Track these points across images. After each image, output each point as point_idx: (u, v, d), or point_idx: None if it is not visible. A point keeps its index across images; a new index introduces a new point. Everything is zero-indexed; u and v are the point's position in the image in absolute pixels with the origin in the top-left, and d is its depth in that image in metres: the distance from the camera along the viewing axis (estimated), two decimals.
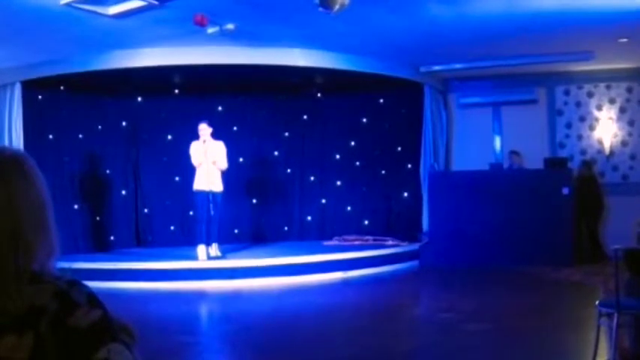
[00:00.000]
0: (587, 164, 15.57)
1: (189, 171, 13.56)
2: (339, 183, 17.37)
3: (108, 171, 16.04)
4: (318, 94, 17.22)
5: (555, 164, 15.08)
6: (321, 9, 9.28)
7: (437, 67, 15.40)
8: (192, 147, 13.46)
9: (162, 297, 12.01)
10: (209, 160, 13.32)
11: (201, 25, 10.72)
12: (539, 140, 16.28)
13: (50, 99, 14.88)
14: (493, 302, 10.57)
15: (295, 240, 16.87)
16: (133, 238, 16.44)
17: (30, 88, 14.13)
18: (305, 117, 17.41)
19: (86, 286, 1.70)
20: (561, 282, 12.41)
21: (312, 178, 17.48)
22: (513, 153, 15.97)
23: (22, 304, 1.60)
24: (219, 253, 13.69)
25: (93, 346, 1.60)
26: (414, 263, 14.85)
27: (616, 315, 6.05)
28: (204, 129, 13.43)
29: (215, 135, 13.56)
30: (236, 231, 16.61)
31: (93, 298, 1.68)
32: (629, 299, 6.28)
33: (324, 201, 17.47)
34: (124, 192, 16.32)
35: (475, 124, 16.80)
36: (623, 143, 16.00)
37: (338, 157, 17.31)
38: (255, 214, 17.13)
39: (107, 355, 1.60)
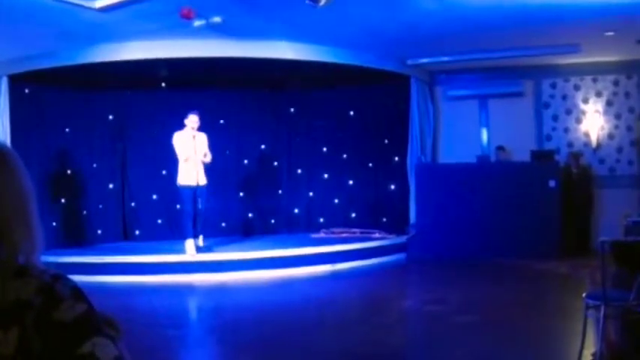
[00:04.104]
0: (574, 156, 15.60)
1: (176, 165, 13.49)
2: (326, 176, 17.38)
3: (95, 165, 15.97)
4: (305, 87, 17.17)
5: (542, 157, 15.11)
6: (307, 2, 9.28)
7: (424, 60, 15.42)
8: (177, 139, 13.26)
9: (150, 290, 11.99)
10: (199, 155, 13.28)
11: (188, 18, 10.69)
12: (525, 133, 16.32)
13: (37, 92, 14.77)
14: (480, 294, 10.61)
15: (283, 233, 16.89)
16: (120, 232, 16.39)
17: (17, 81, 14.06)
18: (292, 110, 17.41)
19: (71, 280, 1.69)
20: (548, 274, 12.45)
21: (299, 171, 17.49)
22: (500, 148, 16.01)
23: (6, 298, 1.59)
24: (202, 244, 13.79)
25: (78, 339, 1.59)
26: (402, 256, 14.88)
27: (603, 307, 6.07)
28: (196, 121, 13.34)
29: (202, 128, 13.53)
30: (223, 224, 16.61)
31: (77, 291, 1.67)
32: (615, 291, 6.31)
33: (311, 194, 17.48)
34: (110, 186, 16.26)
35: (462, 116, 16.82)
36: (610, 136, 16.05)
37: (325, 149, 17.32)
38: (242, 207, 17.11)
39: (92, 348, 1.59)
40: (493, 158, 16.05)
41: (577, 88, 16.25)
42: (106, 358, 1.60)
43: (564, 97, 16.33)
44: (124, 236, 16.37)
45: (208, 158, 13.45)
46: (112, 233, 16.13)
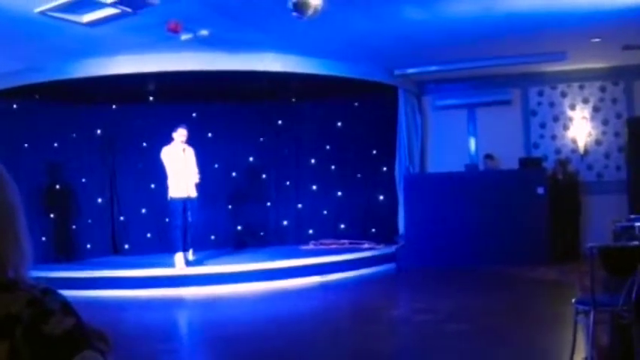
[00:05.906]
0: (561, 163, 15.67)
1: (165, 178, 13.47)
2: (314, 187, 17.39)
3: (83, 179, 15.93)
4: (293, 99, 17.21)
5: (530, 164, 15.19)
6: (294, 14, 9.28)
7: (411, 70, 15.46)
8: (165, 153, 13.29)
9: (140, 304, 11.96)
10: (189, 169, 13.30)
11: (175, 31, 10.68)
12: (513, 141, 16.37)
13: (25, 107, 14.76)
14: (470, 302, 10.60)
15: (272, 245, 16.85)
16: (110, 246, 16.34)
17: (4, 96, 14.04)
18: (280, 122, 17.42)
19: (60, 294, 1.69)
20: (538, 280, 12.46)
21: (287, 183, 17.50)
22: (487, 157, 16.06)
23: None
24: (192, 257, 13.78)
25: (67, 353, 1.59)
26: (391, 266, 14.88)
27: (592, 312, 6.08)
28: (185, 134, 13.35)
29: (190, 141, 13.53)
30: (212, 237, 16.57)
31: (67, 305, 1.67)
32: (605, 296, 6.32)
33: (300, 205, 17.48)
34: (99, 200, 16.22)
35: (450, 125, 16.86)
36: (597, 142, 16.12)
37: (313, 161, 17.34)
38: (231, 219, 17.11)
39: None
40: (481, 167, 16.10)
41: (564, 95, 16.33)
42: None
43: (551, 105, 16.40)
44: (113, 250, 16.32)
45: (197, 178, 13.52)
46: (101, 247, 16.05)
